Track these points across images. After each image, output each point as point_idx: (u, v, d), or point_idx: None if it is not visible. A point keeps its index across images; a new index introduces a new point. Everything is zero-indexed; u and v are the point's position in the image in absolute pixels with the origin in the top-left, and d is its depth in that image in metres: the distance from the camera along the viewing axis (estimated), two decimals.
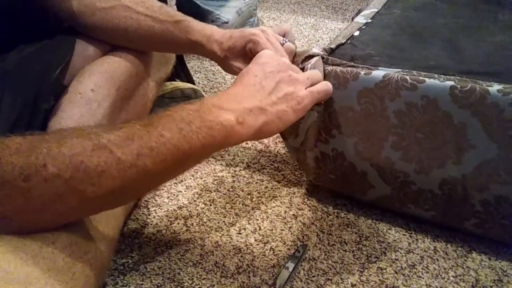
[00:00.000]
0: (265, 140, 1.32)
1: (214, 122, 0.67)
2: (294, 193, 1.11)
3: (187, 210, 1.06)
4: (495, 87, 0.77)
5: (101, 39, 1.00)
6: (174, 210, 1.06)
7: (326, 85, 0.85)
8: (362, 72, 0.86)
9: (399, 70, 0.84)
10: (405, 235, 0.98)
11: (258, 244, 0.96)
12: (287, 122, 0.76)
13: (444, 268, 0.90)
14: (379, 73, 0.85)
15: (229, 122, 0.69)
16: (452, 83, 0.79)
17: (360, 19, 1.11)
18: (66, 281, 0.64)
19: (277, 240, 0.97)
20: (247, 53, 0.92)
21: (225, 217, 1.03)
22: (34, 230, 0.62)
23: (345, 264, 0.91)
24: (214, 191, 1.12)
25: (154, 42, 1.00)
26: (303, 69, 0.89)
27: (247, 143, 1.31)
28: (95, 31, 0.98)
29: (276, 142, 1.32)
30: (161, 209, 1.06)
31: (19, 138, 0.57)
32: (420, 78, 0.81)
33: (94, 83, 0.92)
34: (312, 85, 0.83)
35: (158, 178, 0.67)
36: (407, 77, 0.82)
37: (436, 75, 0.81)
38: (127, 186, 0.61)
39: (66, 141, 0.57)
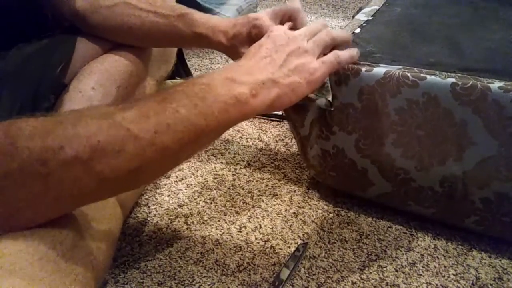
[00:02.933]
0: (266, 139, 1.33)
1: (228, 96, 0.67)
2: (294, 191, 1.11)
3: (188, 208, 1.06)
4: (496, 84, 0.76)
5: (104, 38, 1.00)
6: (175, 208, 1.06)
7: (337, 54, 0.83)
8: (363, 69, 0.86)
9: (400, 67, 0.84)
10: (406, 233, 0.98)
11: (258, 242, 0.96)
12: (300, 94, 0.76)
13: (445, 266, 0.90)
14: (380, 70, 0.85)
15: (243, 95, 0.68)
16: (453, 80, 0.79)
17: (361, 17, 1.11)
18: (69, 283, 0.64)
19: (277, 238, 0.97)
20: (253, 38, 0.91)
21: (225, 215, 1.03)
22: (44, 221, 0.61)
23: (345, 262, 0.91)
24: (215, 189, 1.12)
25: (159, 37, 0.99)
26: None
27: (247, 141, 1.31)
28: (98, 30, 0.98)
29: (276, 141, 1.32)
30: (161, 207, 1.06)
31: (32, 120, 0.55)
32: (421, 75, 0.81)
33: (95, 81, 0.92)
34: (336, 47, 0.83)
35: (175, 157, 0.66)
36: (408, 74, 0.82)
37: (437, 72, 0.81)
38: (145, 165, 0.60)
39: (81, 121, 0.56)
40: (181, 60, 1.40)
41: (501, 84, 0.76)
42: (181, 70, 1.41)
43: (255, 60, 0.74)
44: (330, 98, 0.91)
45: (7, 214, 0.55)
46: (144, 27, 0.97)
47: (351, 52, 0.85)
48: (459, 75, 0.80)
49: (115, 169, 0.57)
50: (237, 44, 0.95)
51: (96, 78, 0.93)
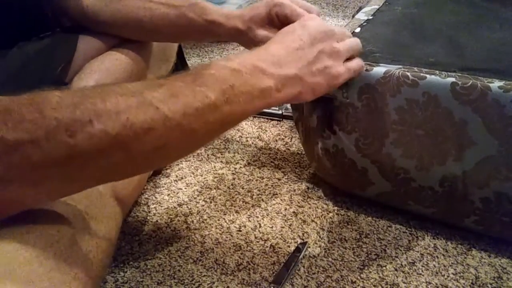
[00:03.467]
0: (265, 138, 1.33)
1: (255, 87, 0.66)
2: (294, 190, 1.11)
3: (187, 207, 1.06)
4: (496, 84, 0.76)
5: (106, 35, 0.99)
6: (174, 207, 1.06)
7: (361, 64, 0.84)
8: (363, 69, 0.86)
9: (400, 66, 0.84)
10: (405, 232, 0.98)
11: (258, 242, 0.96)
12: (318, 94, 0.76)
13: (444, 265, 0.90)
14: (380, 69, 0.85)
15: (269, 89, 0.68)
16: (453, 79, 0.79)
17: (361, 16, 1.11)
18: (68, 281, 0.64)
19: (277, 237, 0.97)
20: (273, 18, 0.90)
21: (225, 214, 1.03)
22: (67, 194, 0.62)
23: (345, 261, 0.91)
24: (214, 188, 1.12)
25: (169, 29, 0.98)
26: None
27: (247, 141, 1.31)
28: (106, 25, 0.97)
29: (276, 140, 1.32)
30: (161, 206, 1.06)
31: (58, 92, 0.55)
32: (421, 74, 0.81)
33: (95, 80, 0.92)
34: (352, 57, 0.83)
35: (200, 140, 0.66)
36: (408, 74, 0.82)
37: (437, 72, 0.81)
38: (172, 145, 0.60)
39: (111, 97, 0.56)
40: (181, 59, 1.40)
41: (501, 83, 0.76)
42: (180, 69, 1.41)
43: (287, 50, 0.73)
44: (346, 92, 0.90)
45: (32, 183, 0.55)
46: (154, 19, 0.96)
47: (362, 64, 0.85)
48: (459, 74, 0.80)
49: (142, 147, 0.57)
50: (254, 27, 0.93)
51: (96, 77, 0.93)
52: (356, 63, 0.82)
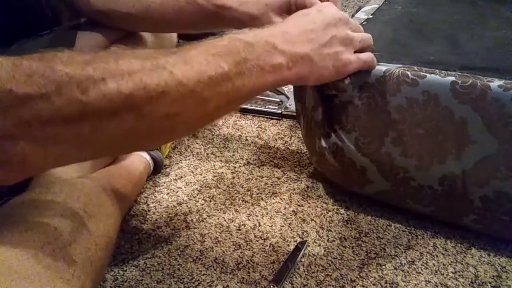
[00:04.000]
0: (265, 137, 1.33)
1: (266, 63, 0.66)
2: (293, 189, 1.11)
3: (187, 206, 1.06)
4: (496, 83, 0.77)
5: (107, 30, 0.99)
6: (174, 206, 1.06)
7: (372, 57, 0.84)
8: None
9: (400, 65, 0.84)
10: (405, 231, 0.98)
11: (257, 240, 0.96)
12: (325, 79, 0.77)
13: (444, 264, 0.90)
14: (380, 68, 0.85)
15: (280, 66, 0.68)
16: (453, 78, 0.79)
17: (361, 15, 1.11)
18: (67, 279, 0.64)
19: (276, 236, 0.97)
20: (291, 7, 0.88)
21: (224, 213, 1.04)
22: (77, 159, 0.60)
23: (344, 260, 0.91)
24: (214, 187, 1.12)
25: (177, 17, 0.95)
26: None
27: (247, 140, 1.31)
28: (110, 17, 0.96)
29: (275, 139, 1.32)
30: (160, 205, 1.06)
31: (68, 51, 0.54)
32: (421, 73, 0.81)
33: None
34: (362, 50, 0.83)
35: (210, 113, 0.64)
36: (408, 73, 0.82)
37: (437, 71, 0.81)
38: (183, 114, 0.59)
39: (124, 58, 0.55)
40: None
41: (500, 82, 0.77)
42: None
43: (299, 30, 0.73)
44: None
45: (41, 142, 0.53)
46: (162, 7, 0.93)
47: (373, 58, 0.86)
48: (459, 73, 0.80)
49: (154, 111, 0.56)
50: (271, 13, 0.90)
51: None
52: (367, 55, 0.83)
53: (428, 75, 0.81)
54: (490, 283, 0.86)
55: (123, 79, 0.53)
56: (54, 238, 0.66)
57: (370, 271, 0.89)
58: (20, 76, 0.49)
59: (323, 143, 0.96)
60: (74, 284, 0.65)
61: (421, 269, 0.89)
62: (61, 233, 0.68)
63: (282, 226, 1.00)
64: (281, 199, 1.08)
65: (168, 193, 1.10)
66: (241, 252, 0.93)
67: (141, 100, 0.54)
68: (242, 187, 1.12)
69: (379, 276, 0.88)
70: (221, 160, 1.22)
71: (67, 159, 0.59)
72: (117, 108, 0.53)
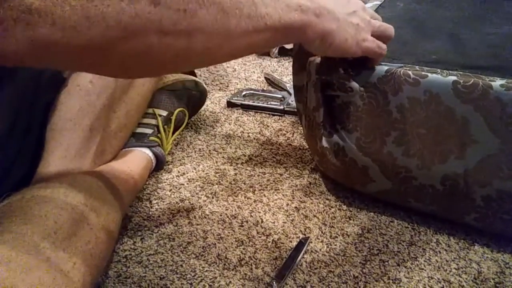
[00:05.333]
0: (267, 133, 1.33)
1: (292, 0, 0.65)
2: (296, 186, 1.11)
3: (190, 202, 1.06)
4: (498, 82, 0.76)
5: None
6: (177, 203, 1.06)
7: (384, 48, 0.84)
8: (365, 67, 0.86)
9: (402, 65, 0.84)
10: (408, 227, 0.98)
11: (260, 237, 0.96)
12: (345, 49, 0.76)
13: (446, 260, 0.90)
14: (381, 68, 0.85)
15: (307, 8, 0.67)
16: (454, 78, 0.79)
17: None
18: (67, 270, 0.65)
19: (279, 232, 0.97)
20: None
21: (227, 209, 1.04)
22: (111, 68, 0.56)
23: (347, 256, 0.92)
24: (216, 184, 1.12)
25: None
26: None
27: (249, 136, 1.31)
28: None
29: (278, 135, 1.32)
30: (163, 201, 1.07)
31: None
32: (423, 73, 0.81)
33: (93, 75, 0.92)
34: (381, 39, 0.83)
35: (232, 33, 0.59)
36: (410, 72, 0.82)
37: (438, 70, 0.81)
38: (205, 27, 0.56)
39: None
40: None
41: (503, 82, 0.76)
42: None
43: None
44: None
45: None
46: None
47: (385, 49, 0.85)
48: (461, 73, 0.80)
49: (176, 23, 0.52)
50: None
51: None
52: (384, 45, 0.83)
53: (429, 74, 0.81)
54: (493, 279, 0.86)
55: None
56: (53, 231, 0.67)
57: (372, 267, 0.89)
58: None
59: (325, 143, 0.97)
60: (74, 276, 0.66)
61: (424, 265, 0.89)
62: (60, 226, 0.68)
63: (285, 222, 1.00)
64: (283, 195, 1.08)
65: (170, 190, 1.11)
66: (243, 249, 0.93)
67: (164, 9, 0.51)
68: (244, 183, 1.12)
69: (381, 272, 0.88)
70: (223, 157, 1.23)
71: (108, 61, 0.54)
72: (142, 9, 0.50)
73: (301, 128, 1.30)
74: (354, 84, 0.87)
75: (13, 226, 0.65)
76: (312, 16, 0.68)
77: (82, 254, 0.69)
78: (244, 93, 1.53)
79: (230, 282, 0.86)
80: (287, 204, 1.05)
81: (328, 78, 0.89)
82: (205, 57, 0.61)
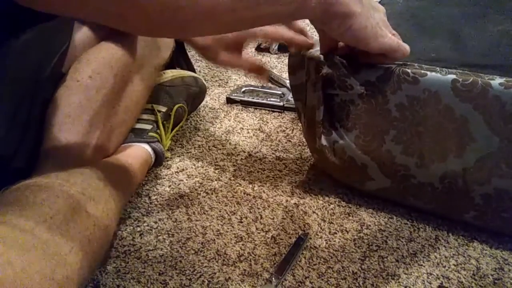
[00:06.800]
0: (267, 129, 1.33)
1: None
2: (295, 182, 1.12)
3: (189, 199, 1.06)
4: (497, 81, 0.76)
5: (98, 25, 0.99)
6: (176, 199, 1.06)
7: (407, 48, 0.83)
8: (364, 65, 0.86)
9: (401, 63, 0.84)
10: (407, 224, 0.98)
11: (259, 233, 0.96)
12: (362, 37, 0.75)
13: (445, 257, 0.90)
14: (380, 66, 0.85)
15: None
16: (454, 76, 0.79)
17: None
18: (65, 253, 0.65)
19: (278, 228, 0.97)
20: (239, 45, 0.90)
21: (226, 205, 1.04)
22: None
23: (346, 252, 0.92)
24: (216, 180, 1.12)
25: None
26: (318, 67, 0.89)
27: (248, 132, 1.31)
28: None
29: (277, 132, 1.32)
30: (162, 197, 1.07)
31: None
32: (422, 71, 0.81)
33: (92, 70, 0.92)
34: None
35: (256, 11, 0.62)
36: (409, 71, 0.82)
37: (438, 68, 0.81)
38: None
39: None
40: (181, 50, 1.40)
41: (502, 80, 0.76)
42: (181, 60, 1.41)
43: None
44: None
45: None
46: None
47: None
48: (460, 71, 0.80)
49: None
50: (215, 47, 0.93)
51: (93, 66, 0.93)
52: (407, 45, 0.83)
53: (429, 73, 0.81)
54: (492, 275, 0.86)
55: None
56: (49, 216, 0.68)
57: (371, 263, 0.89)
58: None
59: (324, 141, 0.96)
60: (71, 259, 0.66)
61: (423, 262, 0.89)
62: (56, 213, 0.69)
63: (284, 218, 1.00)
64: (283, 191, 1.08)
65: (169, 186, 1.11)
66: (242, 245, 0.94)
67: None
68: (243, 179, 1.12)
69: (380, 268, 0.88)
70: (222, 153, 1.23)
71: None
72: None
73: (301, 125, 1.30)
74: (354, 83, 0.87)
75: (9, 213, 0.66)
76: None
77: (79, 239, 0.70)
78: (243, 89, 1.53)
79: (229, 278, 0.87)
80: (286, 201, 1.05)
81: (328, 71, 0.89)
82: (232, 21, 0.63)
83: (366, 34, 0.75)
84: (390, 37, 0.79)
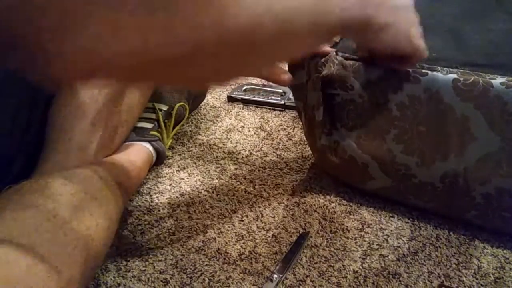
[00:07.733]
0: (268, 128, 1.33)
1: None
2: (296, 180, 1.12)
3: (190, 197, 1.06)
4: (498, 80, 0.76)
5: None
6: (177, 197, 1.07)
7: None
8: (364, 65, 0.86)
9: None
10: (408, 222, 0.98)
11: (260, 231, 0.97)
12: (390, 38, 0.73)
13: (447, 256, 0.90)
14: (381, 66, 0.85)
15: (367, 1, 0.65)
16: (455, 76, 0.79)
17: None
18: (68, 253, 0.66)
19: (279, 227, 0.98)
20: None
21: (227, 204, 1.04)
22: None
23: (347, 251, 0.92)
24: (217, 178, 1.13)
25: None
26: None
27: (249, 131, 1.31)
28: None
29: (278, 130, 1.32)
30: (163, 196, 1.07)
31: None
32: (423, 71, 0.81)
33: None
34: None
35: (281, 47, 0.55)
36: (410, 70, 0.82)
37: (439, 68, 0.81)
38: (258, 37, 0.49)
39: None
40: None
41: (503, 80, 0.76)
42: None
43: None
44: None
45: None
46: None
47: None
48: (461, 70, 0.80)
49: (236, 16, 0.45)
50: None
51: None
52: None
53: (430, 72, 0.80)
54: (493, 274, 0.86)
55: None
56: (52, 215, 0.68)
57: (372, 262, 0.89)
58: None
59: (324, 141, 0.96)
60: (75, 257, 0.66)
61: (424, 260, 0.89)
62: (58, 212, 0.69)
63: (285, 217, 1.00)
64: (283, 190, 1.08)
65: (171, 184, 1.11)
66: (243, 243, 0.94)
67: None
68: (244, 178, 1.13)
69: (381, 267, 0.88)
70: (223, 151, 1.23)
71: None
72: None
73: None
74: (355, 82, 0.87)
75: (13, 212, 0.66)
76: (372, 9, 0.66)
77: (83, 238, 0.70)
78: (244, 87, 1.53)
79: (230, 276, 0.87)
80: (287, 199, 1.05)
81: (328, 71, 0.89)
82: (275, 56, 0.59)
83: (398, 37, 0.74)
84: (418, 35, 0.77)
